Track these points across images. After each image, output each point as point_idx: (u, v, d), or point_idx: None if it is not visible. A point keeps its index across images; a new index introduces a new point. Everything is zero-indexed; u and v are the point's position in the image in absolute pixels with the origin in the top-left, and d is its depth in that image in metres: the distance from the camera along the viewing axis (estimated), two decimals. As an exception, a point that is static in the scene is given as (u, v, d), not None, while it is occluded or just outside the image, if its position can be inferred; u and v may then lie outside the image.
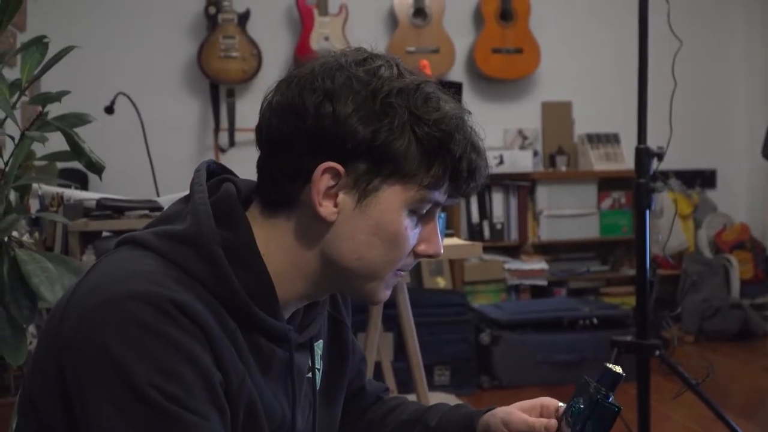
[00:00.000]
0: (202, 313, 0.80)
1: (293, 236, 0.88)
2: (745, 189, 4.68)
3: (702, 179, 4.61)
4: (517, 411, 1.00)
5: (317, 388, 0.99)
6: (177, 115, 4.01)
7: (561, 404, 1.00)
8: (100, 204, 1.99)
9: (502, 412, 1.01)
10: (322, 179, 0.84)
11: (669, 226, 4.26)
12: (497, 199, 4.20)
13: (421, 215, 0.89)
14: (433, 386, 3.16)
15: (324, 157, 0.84)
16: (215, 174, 0.95)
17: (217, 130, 3.99)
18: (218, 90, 4.00)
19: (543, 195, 4.21)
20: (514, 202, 4.21)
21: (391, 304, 2.12)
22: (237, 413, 0.83)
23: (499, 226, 4.20)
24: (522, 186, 4.19)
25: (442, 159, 0.86)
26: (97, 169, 1.39)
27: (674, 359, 2.22)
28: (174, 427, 0.76)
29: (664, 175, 4.35)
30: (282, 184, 0.87)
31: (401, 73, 0.87)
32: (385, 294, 0.92)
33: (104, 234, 1.98)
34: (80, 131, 1.43)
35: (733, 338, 4.09)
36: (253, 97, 3.98)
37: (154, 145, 3.32)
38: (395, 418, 1.12)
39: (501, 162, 4.07)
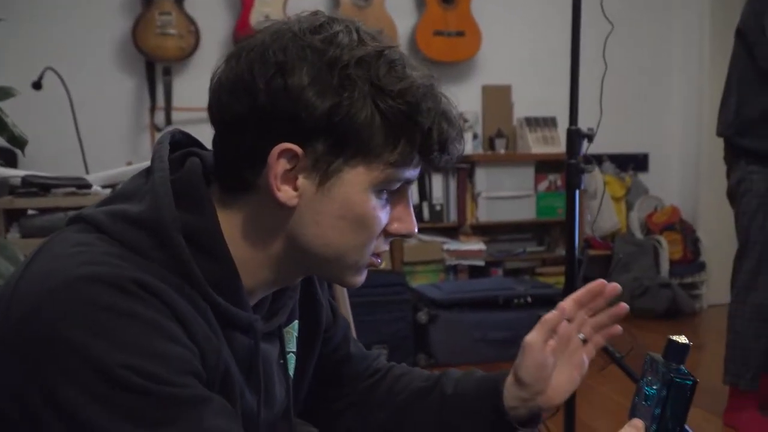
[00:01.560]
0: (167, 291, 0.74)
1: (255, 222, 0.82)
2: (676, 173, 4.82)
3: (635, 163, 4.73)
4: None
5: (293, 372, 0.97)
6: (110, 93, 3.93)
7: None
8: (26, 181, 1.91)
9: (528, 366, 0.96)
10: (278, 163, 0.78)
11: (601, 208, 4.38)
12: (437, 180, 4.24)
13: (390, 192, 0.83)
14: (371, 365, 3.19)
15: (279, 137, 0.78)
16: (180, 145, 0.88)
17: (153, 108, 3.92)
18: (154, 68, 3.92)
19: (482, 177, 4.26)
20: (453, 184, 4.26)
21: (327, 285, 2.13)
22: (213, 388, 0.78)
23: (438, 208, 4.25)
24: (461, 168, 4.24)
25: (409, 134, 0.79)
26: (20, 143, 1.35)
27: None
28: (161, 405, 0.70)
29: (598, 159, 4.48)
30: (238, 168, 0.81)
31: (362, 39, 0.80)
32: (360, 279, 0.87)
33: (30, 212, 1.91)
34: (6, 106, 1.39)
35: (661, 316, 4.23)
36: (190, 76, 3.93)
37: (85, 122, 3.24)
38: (404, 387, 1.08)
39: (440, 144, 4.10)
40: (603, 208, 4.44)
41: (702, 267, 4.53)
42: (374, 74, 0.78)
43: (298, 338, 0.99)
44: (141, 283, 0.73)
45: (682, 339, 0.87)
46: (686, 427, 0.87)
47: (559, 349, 0.96)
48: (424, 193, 4.23)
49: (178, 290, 0.76)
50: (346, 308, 2.13)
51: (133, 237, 0.77)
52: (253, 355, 0.86)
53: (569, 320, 0.96)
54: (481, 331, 3.55)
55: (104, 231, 0.78)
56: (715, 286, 4.34)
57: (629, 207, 4.65)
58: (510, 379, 0.98)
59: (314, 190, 0.80)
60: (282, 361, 0.95)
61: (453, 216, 4.28)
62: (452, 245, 4.19)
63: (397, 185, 0.83)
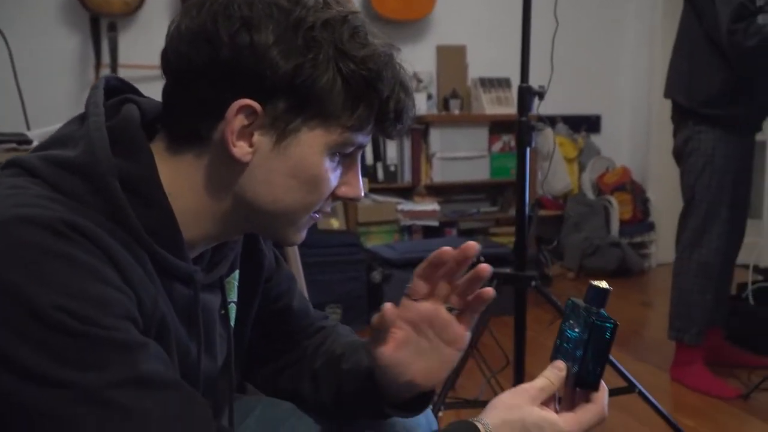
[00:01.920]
0: (101, 235, 0.73)
1: (203, 176, 0.82)
2: (627, 134, 4.87)
3: (587, 124, 4.78)
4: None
5: (232, 323, 0.96)
6: (53, 49, 3.81)
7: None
8: (-35, 137, 1.87)
9: (376, 367, 0.94)
10: (236, 118, 0.78)
11: (554, 169, 4.42)
12: (391, 141, 4.21)
13: (342, 156, 0.84)
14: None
15: (239, 92, 0.77)
16: (117, 92, 0.86)
17: (98, 66, 3.81)
18: (99, 23, 3.81)
19: (436, 138, 4.26)
20: (407, 144, 4.25)
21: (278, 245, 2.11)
22: (149, 335, 0.77)
23: (392, 168, 4.24)
24: (416, 129, 4.23)
25: (369, 100, 0.80)
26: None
27: (554, 294, 2.32)
28: (94, 348, 0.69)
29: (552, 120, 4.51)
30: (191, 120, 0.80)
31: (326, 2, 0.80)
32: (300, 236, 0.88)
33: (-33, 167, 1.87)
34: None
35: (611, 274, 4.30)
36: (136, 32, 3.84)
37: (27, 79, 3.13)
38: (326, 350, 1.07)
39: (395, 104, 4.08)
40: (556, 169, 4.48)
41: (651, 227, 4.62)
42: (338, 38, 0.78)
43: (239, 287, 0.99)
44: (74, 225, 0.71)
45: (603, 284, 0.88)
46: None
47: (423, 332, 0.92)
48: (379, 154, 4.21)
49: (113, 235, 0.75)
50: (297, 267, 2.11)
51: (67, 181, 0.76)
52: (193, 305, 0.86)
53: (416, 299, 0.92)
54: (434, 290, 3.57)
55: (38, 175, 0.77)
56: (664, 246, 4.43)
57: (581, 168, 4.70)
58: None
59: (270, 148, 0.81)
60: (223, 312, 0.94)
61: (407, 177, 4.28)
62: (406, 206, 4.20)
63: (351, 149, 0.84)
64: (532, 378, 0.92)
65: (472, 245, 0.90)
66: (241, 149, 0.80)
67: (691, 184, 2.71)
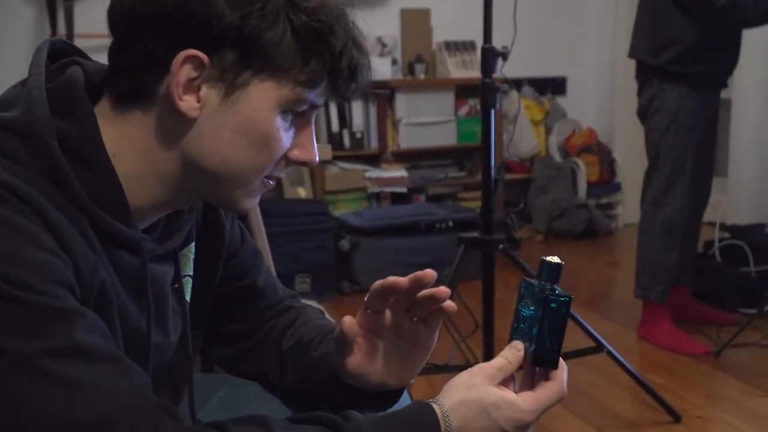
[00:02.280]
0: (39, 198, 0.70)
1: (149, 134, 0.78)
2: (593, 95, 4.87)
3: (553, 86, 4.76)
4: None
5: (188, 297, 0.93)
6: (9, 20, 3.70)
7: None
8: None
9: (345, 371, 0.93)
10: (182, 69, 0.75)
11: (520, 132, 4.41)
12: (357, 107, 4.17)
13: (295, 117, 0.81)
14: (294, 294, 3.18)
15: (186, 44, 0.74)
16: (63, 55, 0.83)
17: (54, 36, 3.71)
18: (55, -7, 3.70)
19: (402, 103, 4.22)
20: (373, 110, 4.20)
21: (243, 216, 2.08)
22: (88, 304, 0.74)
23: (359, 135, 4.20)
24: (381, 94, 4.18)
25: (320, 53, 0.77)
26: None
27: (522, 257, 2.31)
28: (29, 315, 0.67)
29: (518, 83, 4.49)
30: (137, 75, 0.77)
31: None
32: (251, 203, 0.84)
33: None
34: None
35: (579, 236, 4.33)
36: (92, 1, 3.72)
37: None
38: (293, 333, 1.03)
39: (359, 70, 4.03)
40: (522, 132, 4.47)
41: (618, 188, 4.63)
42: None
43: (196, 261, 0.96)
44: (9, 187, 0.69)
45: (555, 259, 0.87)
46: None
47: (389, 338, 0.91)
48: (345, 121, 4.16)
49: (51, 198, 0.72)
50: (262, 239, 2.08)
51: (7, 143, 0.73)
52: (142, 276, 0.83)
53: (376, 313, 0.90)
54: (403, 256, 3.57)
55: None
56: (631, 206, 4.45)
57: (548, 130, 4.69)
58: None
59: (218, 102, 0.77)
60: (177, 286, 0.91)
61: (374, 143, 4.24)
62: (374, 173, 4.16)
63: (303, 107, 0.81)
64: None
65: (431, 274, 0.86)
66: (187, 103, 0.76)
67: (656, 143, 2.71)
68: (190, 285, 0.94)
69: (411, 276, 0.86)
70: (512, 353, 0.87)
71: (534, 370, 0.89)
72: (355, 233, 3.58)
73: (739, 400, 2.31)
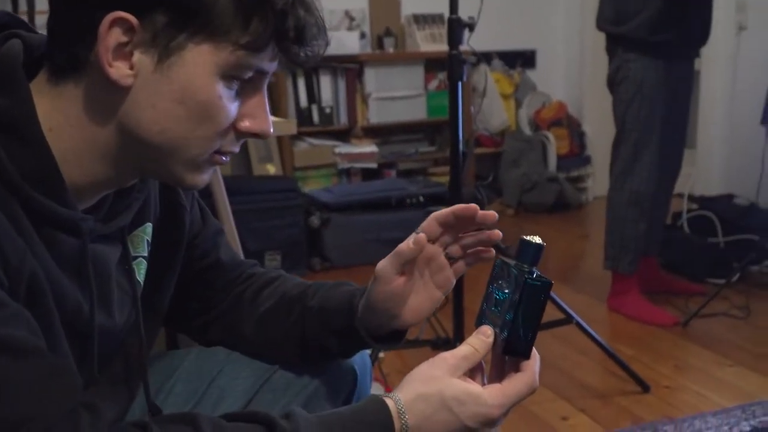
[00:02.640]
0: None
1: (83, 106, 0.74)
2: (563, 68, 4.85)
3: (522, 60, 4.74)
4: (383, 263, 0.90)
5: (140, 279, 0.90)
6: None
7: (417, 232, 0.89)
8: None
9: (373, 278, 0.91)
10: (110, 33, 0.70)
11: (490, 105, 4.39)
12: (325, 82, 4.12)
13: (243, 85, 0.76)
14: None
15: (113, 6, 0.70)
16: (7, 27, 0.79)
17: (15, 13, 3.61)
18: (13, -33, 3.59)
19: (371, 77, 4.17)
20: (342, 84, 4.16)
21: (207, 193, 2.04)
22: (17, 294, 0.70)
23: (328, 110, 4.15)
24: (350, 68, 4.13)
25: (262, 13, 0.72)
26: None
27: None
28: None
29: (487, 56, 4.46)
30: (69, 43, 0.73)
31: None
32: (200, 179, 0.79)
33: None
34: None
35: (550, 210, 4.34)
36: (52, -26, 3.62)
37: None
38: (272, 293, 1.03)
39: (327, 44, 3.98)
40: (492, 106, 4.45)
41: (588, 160, 4.64)
42: None
43: (153, 242, 0.92)
44: None
45: (536, 239, 0.80)
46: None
47: (419, 270, 0.92)
48: (313, 96, 4.11)
49: None
50: (227, 217, 2.03)
51: None
52: (82, 257, 0.78)
53: (432, 241, 0.91)
54: (374, 231, 3.55)
55: None
56: (601, 179, 4.46)
57: (518, 104, 4.68)
58: (363, 301, 0.94)
59: (152, 69, 0.72)
60: (127, 267, 0.87)
61: (343, 118, 4.19)
62: (344, 148, 4.13)
63: (249, 74, 0.76)
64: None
65: (494, 216, 0.88)
66: (119, 70, 0.72)
67: (622, 114, 2.70)
68: (143, 266, 0.91)
69: (483, 213, 0.87)
70: (480, 340, 0.82)
71: (504, 359, 0.83)
72: (325, 209, 3.55)
73: (707, 369, 2.32)
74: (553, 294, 2.20)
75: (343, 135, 4.23)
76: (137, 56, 0.72)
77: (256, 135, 0.79)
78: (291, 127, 1.94)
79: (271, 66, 0.77)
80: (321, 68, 4.08)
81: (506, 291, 0.81)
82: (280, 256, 3.44)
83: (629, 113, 2.67)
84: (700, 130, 4.10)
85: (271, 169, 4.02)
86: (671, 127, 2.74)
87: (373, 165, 4.18)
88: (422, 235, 0.88)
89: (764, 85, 3.10)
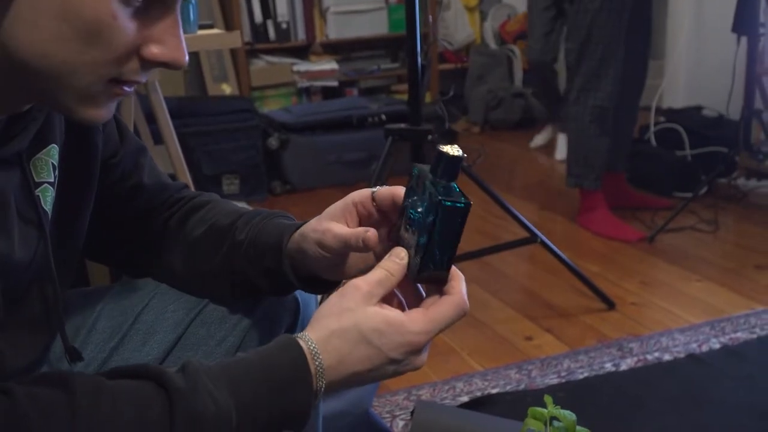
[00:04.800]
0: None
1: None
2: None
3: (488, -31, 4.56)
4: (330, 227, 0.80)
5: (47, 208, 0.80)
6: None
7: (374, 189, 0.80)
8: None
9: (314, 232, 0.81)
10: None
11: (454, 18, 4.23)
12: (280, -4, 3.93)
13: (150, 3, 0.65)
14: (222, 196, 3.02)
15: None
16: None
17: None
18: None
19: (329, -10, 3.99)
20: (298, -2, 3.97)
21: (153, 117, 1.91)
22: None
23: (284, 26, 3.97)
24: (306, -19, 3.94)
25: None
26: None
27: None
28: None
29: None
30: None
31: None
32: (97, 113, 0.68)
33: None
34: None
35: (515, 126, 4.24)
36: None
37: None
38: (201, 220, 0.94)
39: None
40: (456, 19, 4.29)
41: (555, 75, 4.53)
42: None
43: (61, 166, 0.82)
44: None
45: (455, 150, 0.70)
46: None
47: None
48: (268, 11, 3.92)
49: None
50: (171, 139, 1.90)
51: None
52: None
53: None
54: (335, 153, 3.44)
55: None
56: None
57: (483, 17, 4.52)
58: (294, 243, 0.84)
59: None
60: (30, 195, 0.77)
61: (301, 34, 4.02)
62: (302, 66, 3.97)
63: None
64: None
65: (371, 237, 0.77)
66: None
67: (587, 25, 2.57)
68: (50, 193, 0.80)
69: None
70: (394, 263, 0.73)
71: (417, 286, 0.75)
72: (283, 130, 3.42)
73: (675, 285, 2.29)
74: (515, 212, 2.13)
75: (302, 52, 4.06)
76: None
77: (165, 64, 0.67)
78: (236, 39, 1.79)
79: None
80: (275, -19, 3.88)
81: (419, 210, 0.71)
82: (238, 180, 3.32)
83: (596, 24, 2.54)
84: (669, 40, 3.99)
85: (227, 89, 3.86)
86: (635, 37, 2.63)
87: (334, 83, 4.04)
88: (373, 233, 0.76)
89: (735, -9, 2.98)
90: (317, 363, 0.69)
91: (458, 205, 0.69)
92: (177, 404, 0.63)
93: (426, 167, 0.73)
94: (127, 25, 0.64)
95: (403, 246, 0.74)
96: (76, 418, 0.61)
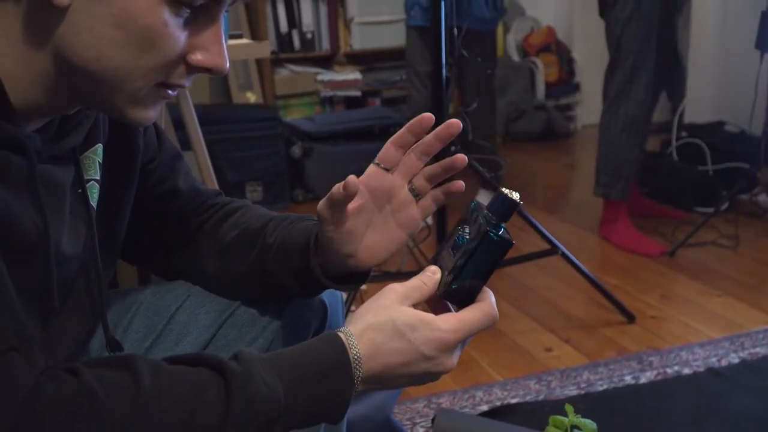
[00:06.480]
0: None
1: (22, 27, 0.67)
2: (552, -8, 4.71)
3: (511, -18, 4.58)
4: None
5: (93, 204, 0.83)
6: None
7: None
8: None
9: (324, 233, 0.85)
10: None
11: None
12: (306, 5, 3.97)
13: (196, 14, 0.70)
14: (245, 203, 3.08)
15: None
16: None
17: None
18: None
19: (353, 1, 4.03)
20: (323, 8, 4.01)
21: (180, 125, 1.94)
22: None
23: (309, 36, 4.01)
24: (332, -8, 3.99)
25: None
26: None
27: (479, 161, 2.23)
28: None
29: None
30: None
31: None
32: (144, 114, 0.73)
33: None
34: None
35: (537, 138, 4.26)
36: None
37: None
38: (235, 224, 0.97)
39: (308, -35, 3.81)
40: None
41: (576, 88, 4.54)
42: None
43: (105, 166, 0.85)
44: None
45: (514, 195, 0.76)
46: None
47: (377, 205, 0.86)
48: (293, 20, 3.97)
49: None
50: (200, 145, 1.94)
51: None
52: (31, 178, 0.72)
53: (388, 169, 0.85)
54: (357, 162, 3.46)
55: None
56: (589, 107, 4.37)
57: (506, 29, 4.54)
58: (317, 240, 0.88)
59: None
60: (80, 191, 0.81)
61: (325, 44, 4.06)
62: (326, 76, 4.01)
63: (200, 1, 0.68)
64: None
65: (455, 123, 0.82)
66: None
67: (618, 34, 2.59)
68: (96, 190, 0.84)
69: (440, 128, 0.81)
70: (427, 277, 0.79)
71: (443, 302, 0.79)
72: (307, 139, 3.46)
73: (694, 299, 2.29)
74: (537, 223, 2.15)
75: (326, 62, 4.10)
76: None
77: (208, 70, 0.72)
78: (264, 49, 1.83)
79: None
80: (301, -9, 3.93)
81: (467, 236, 0.78)
82: (261, 187, 3.36)
83: (625, 35, 2.56)
84: (692, 55, 3.99)
85: (252, 98, 3.91)
86: (661, 46, 2.65)
87: (357, 93, 4.07)
88: (352, 179, 0.80)
89: (758, 8, 2.98)
90: (354, 352, 0.73)
91: (503, 239, 0.75)
92: (232, 386, 0.67)
93: (483, 203, 0.79)
94: (176, 33, 0.68)
95: (440, 266, 0.80)
96: (141, 396, 0.64)
